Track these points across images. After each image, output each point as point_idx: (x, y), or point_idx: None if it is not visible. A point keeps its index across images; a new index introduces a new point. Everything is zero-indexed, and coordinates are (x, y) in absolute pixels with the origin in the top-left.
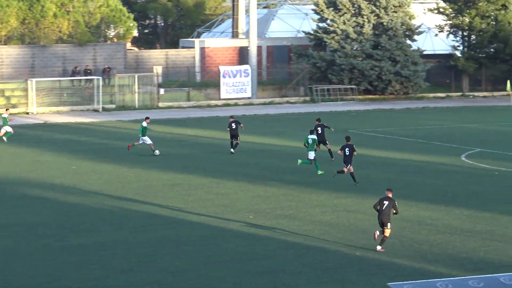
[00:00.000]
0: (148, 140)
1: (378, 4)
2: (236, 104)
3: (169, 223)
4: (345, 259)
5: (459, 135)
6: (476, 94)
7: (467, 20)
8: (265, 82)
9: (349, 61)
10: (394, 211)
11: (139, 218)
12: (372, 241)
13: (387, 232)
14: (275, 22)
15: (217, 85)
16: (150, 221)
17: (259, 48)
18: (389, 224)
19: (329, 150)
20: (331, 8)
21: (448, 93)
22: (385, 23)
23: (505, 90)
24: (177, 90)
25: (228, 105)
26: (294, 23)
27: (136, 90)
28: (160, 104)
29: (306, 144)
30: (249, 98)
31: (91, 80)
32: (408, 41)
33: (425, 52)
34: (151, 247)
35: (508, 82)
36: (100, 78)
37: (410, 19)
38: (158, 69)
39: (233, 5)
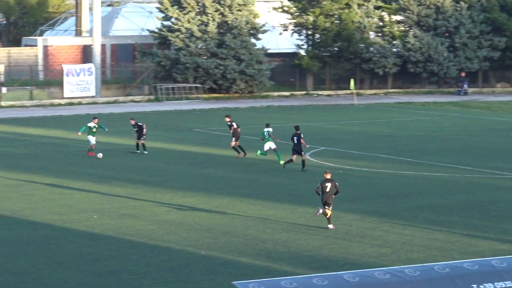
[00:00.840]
0: (92, 141)
1: (222, 2)
2: (80, 103)
3: (10, 223)
4: (190, 259)
5: (303, 133)
6: (320, 92)
7: (311, 19)
8: (110, 81)
9: (194, 60)
10: (337, 191)
11: None
12: (216, 240)
13: (329, 212)
14: (119, 20)
15: (60, 84)
16: None
17: (103, 46)
18: (331, 205)
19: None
20: (176, 7)
21: (292, 92)
22: (229, 22)
23: (348, 88)
24: (20, 89)
25: (72, 104)
26: (138, 22)
27: None
28: (2, 103)
29: (262, 137)
30: (93, 97)
31: None
32: (253, 40)
33: (269, 51)
34: None
35: (352, 80)
36: None
37: (254, 17)
38: (0, 68)
39: (77, 3)
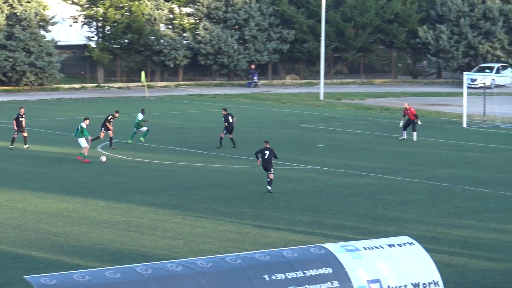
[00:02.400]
0: (84, 143)
1: None
2: None
3: None
4: None
5: (93, 126)
6: (111, 85)
7: (101, 11)
8: None
9: None
10: (275, 157)
11: None
12: (6, 234)
13: (272, 175)
14: None
15: None
16: None
17: None
18: (272, 169)
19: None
20: None
21: (83, 84)
22: (18, 14)
23: (140, 81)
24: None
25: None
26: None
27: None
28: None
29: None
30: None
31: None
32: (43, 32)
33: (60, 43)
34: None
35: (143, 73)
36: None
37: (44, 9)
38: None
39: None
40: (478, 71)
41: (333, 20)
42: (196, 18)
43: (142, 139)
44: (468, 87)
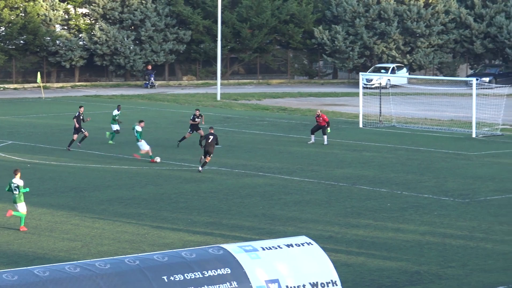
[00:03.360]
0: (144, 146)
1: None
2: None
3: None
4: None
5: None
6: (7, 86)
7: None
8: None
9: None
10: (217, 143)
11: None
12: None
13: (209, 159)
14: None
15: None
16: None
17: None
18: (211, 154)
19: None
20: None
21: None
22: None
23: (35, 82)
24: None
25: None
26: None
27: None
28: None
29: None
30: None
31: None
32: None
33: None
34: None
35: (38, 74)
36: None
37: None
38: None
39: None
40: (374, 71)
41: (229, 21)
42: (92, 19)
43: (110, 141)
44: (364, 88)
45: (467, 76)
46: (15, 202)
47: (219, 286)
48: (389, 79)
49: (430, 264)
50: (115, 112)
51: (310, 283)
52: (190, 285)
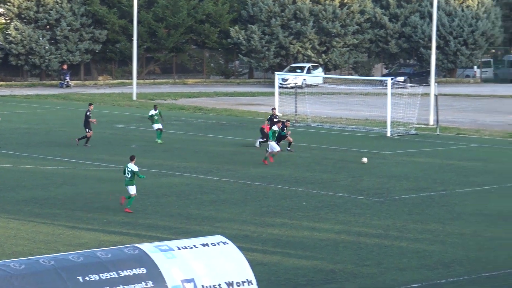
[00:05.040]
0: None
1: None
2: None
3: None
4: None
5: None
6: None
7: None
8: None
9: None
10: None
11: None
12: None
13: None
14: None
15: None
16: None
17: None
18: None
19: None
20: None
21: None
22: None
23: None
24: None
25: None
26: None
27: None
28: None
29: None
30: None
31: None
32: None
33: None
34: None
35: None
36: None
37: None
38: None
39: None
40: (290, 71)
41: (145, 20)
42: (7, 18)
43: (158, 140)
44: (280, 87)
45: (382, 76)
46: (127, 185)
47: (134, 286)
48: (304, 79)
49: (345, 263)
50: (152, 112)
51: (225, 282)
52: (105, 285)
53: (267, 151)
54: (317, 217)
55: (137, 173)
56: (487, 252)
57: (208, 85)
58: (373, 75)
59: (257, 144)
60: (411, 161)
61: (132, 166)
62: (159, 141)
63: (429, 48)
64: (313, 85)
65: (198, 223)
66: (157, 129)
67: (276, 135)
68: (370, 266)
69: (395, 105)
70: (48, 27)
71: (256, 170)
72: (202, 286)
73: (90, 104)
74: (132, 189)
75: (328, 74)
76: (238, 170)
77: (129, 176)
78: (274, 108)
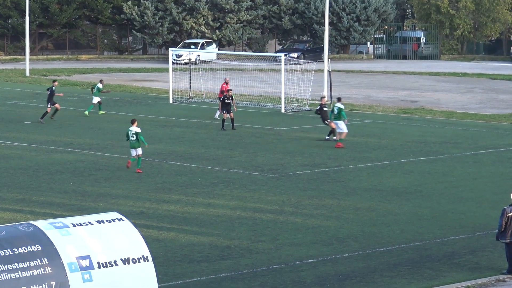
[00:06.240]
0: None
1: None
2: None
3: None
4: None
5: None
6: None
7: None
8: None
9: None
10: None
11: None
12: None
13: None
14: None
15: None
16: None
17: None
18: None
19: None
20: None
21: None
22: None
23: None
24: None
25: None
26: None
27: None
28: None
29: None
30: None
31: None
32: None
33: None
34: None
35: None
36: None
37: None
38: None
39: None
40: (184, 47)
41: None
42: None
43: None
44: (174, 63)
45: (276, 52)
46: (133, 147)
47: (29, 263)
48: (198, 55)
49: (240, 239)
50: (99, 85)
51: (121, 259)
52: None
53: (334, 135)
54: (212, 193)
55: (140, 135)
56: (381, 227)
57: (101, 61)
58: (267, 52)
59: (217, 115)
60: (306, 137)
61: (135, 128)
62: (100, 112)
63: (322, 24)
64: (207, 61)
65: (93, 200)
66: (98, 102)
67: (336, 113)
68: (265, 242)
69: (289, 81)
70: None
71: (150, 146)
72: (98, 263)
73: (54, 81)
74: (139, 150)
75: (222, 50)
76: None
77: (134, 138)
78: (324, 97)
